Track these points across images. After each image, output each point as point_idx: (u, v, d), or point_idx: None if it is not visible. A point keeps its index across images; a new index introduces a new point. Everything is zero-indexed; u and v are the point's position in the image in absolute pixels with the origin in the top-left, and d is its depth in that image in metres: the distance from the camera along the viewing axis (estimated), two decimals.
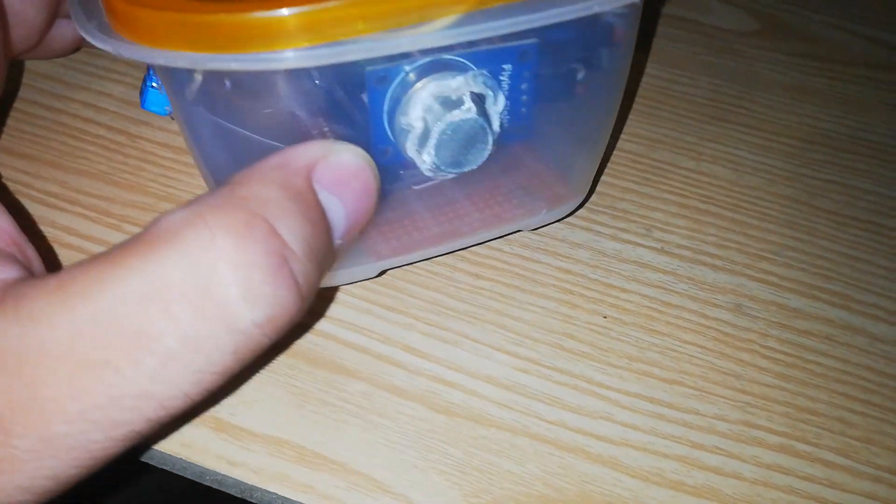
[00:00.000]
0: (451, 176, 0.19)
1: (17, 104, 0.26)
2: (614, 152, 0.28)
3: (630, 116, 0.29)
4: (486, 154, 0.18)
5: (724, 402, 0.21)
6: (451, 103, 0.17)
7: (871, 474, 0.20)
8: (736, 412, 0.21)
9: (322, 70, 0.17)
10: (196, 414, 0.19)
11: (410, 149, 0.18)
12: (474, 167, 0.18)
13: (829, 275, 0.25)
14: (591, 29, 0.19)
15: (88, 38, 0.16)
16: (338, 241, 0.14)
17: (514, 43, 0.18)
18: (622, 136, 0.29)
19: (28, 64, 0.28)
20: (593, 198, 0.26)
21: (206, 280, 0.12)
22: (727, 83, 0.32)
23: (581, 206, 0.24)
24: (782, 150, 0.29)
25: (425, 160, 0.18)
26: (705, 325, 0.23)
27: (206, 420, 0.19)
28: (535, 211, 0.22)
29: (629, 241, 0.25)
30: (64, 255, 0.22)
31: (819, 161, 0.29)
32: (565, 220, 0.25)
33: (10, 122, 0.26)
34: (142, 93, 0.25)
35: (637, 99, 0.30)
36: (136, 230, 0.17)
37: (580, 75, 0.20)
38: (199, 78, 0.17)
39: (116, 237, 0.23)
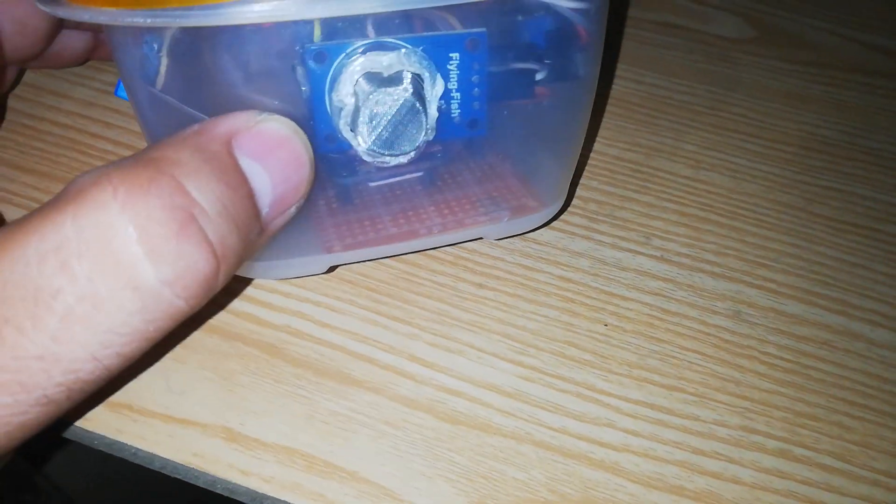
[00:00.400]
0: (393, 163, 0.18)
1: (25, 121, 0.27)
2: (615, 161, 0.28)
3: (629, 125, 0.30)
4: (421, 136, 0.17)
5: (723, 407, 0.21)
6: (381, 80, 0.16)
7: (868, 478, 0.20)
8: (735, 417, 0.21)
9: (256, 39, 0.16)
10: (205, 424, 0.20)
11: (344, 128, 0.17)
12: (410, 150, 0.18)
13: (827, 281, 0.25)
14: (547, 25, 0.18)
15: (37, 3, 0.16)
16: (265, 210, 0.14)
17: (463, 31, 0.17)
18: (621, 144, 0.29)
19: (36, 80, 0.28)
20: (593, 206, 0.26)
21: (106, 235, 0.12)
22: (725, 91, 0.32)
23: (555, 218, 0.24)
24: (780, 157, 0.29)
25: (359, 141, 0.17)
26: (705, 332, 0.23)
27: (217, 430, 0.19)
28: (498, 218, 0.22)
29: (629, 250, 0.25)
30: None
31: (817, 167, 0.29)
32: (565, 229, 0.25)
33: (18, 138, 0.26)
34: (117, 82, 0.25)
35: (636, 108, 0.31)
36: None
37: (539, 75, 0.19)
38: (134, 44, 0.16)
39: None
